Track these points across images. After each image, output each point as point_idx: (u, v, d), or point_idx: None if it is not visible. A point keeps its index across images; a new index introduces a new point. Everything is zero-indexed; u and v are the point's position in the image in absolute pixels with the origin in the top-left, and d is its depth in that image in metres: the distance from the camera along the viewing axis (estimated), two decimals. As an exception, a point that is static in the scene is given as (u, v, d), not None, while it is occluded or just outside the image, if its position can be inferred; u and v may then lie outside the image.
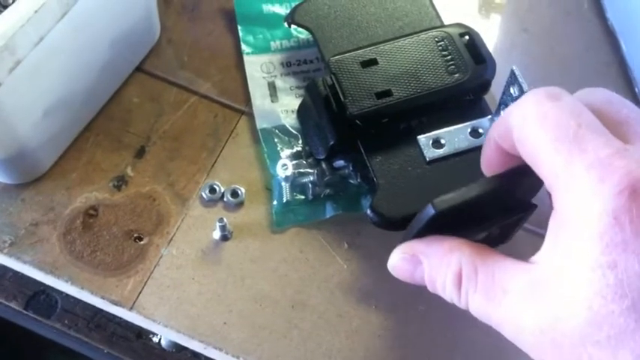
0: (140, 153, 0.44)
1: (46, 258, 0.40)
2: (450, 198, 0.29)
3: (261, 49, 0.48)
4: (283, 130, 0.44)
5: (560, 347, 0.24)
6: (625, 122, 0.26)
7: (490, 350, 0.39)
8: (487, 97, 0.41)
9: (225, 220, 0.40)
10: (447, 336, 0.39)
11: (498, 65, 0.40)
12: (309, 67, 0.47)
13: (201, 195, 0.42)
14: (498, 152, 0.29)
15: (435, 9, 0.45)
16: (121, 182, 0.43)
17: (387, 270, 0.33)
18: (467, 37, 0.41)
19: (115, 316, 0.40)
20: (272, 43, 0.48)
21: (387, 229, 0.37)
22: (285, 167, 0.41)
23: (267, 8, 0.50)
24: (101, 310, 0.40)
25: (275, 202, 0.42)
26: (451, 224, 0.30)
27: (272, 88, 0.46)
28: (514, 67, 0.31)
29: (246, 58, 0.47)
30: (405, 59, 0.40)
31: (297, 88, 0.46)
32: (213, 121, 0.46)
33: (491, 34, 0.52)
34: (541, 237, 0.26)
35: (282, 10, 0.49)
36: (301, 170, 0.42)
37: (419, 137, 0.39)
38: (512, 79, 0.32)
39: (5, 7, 0.36)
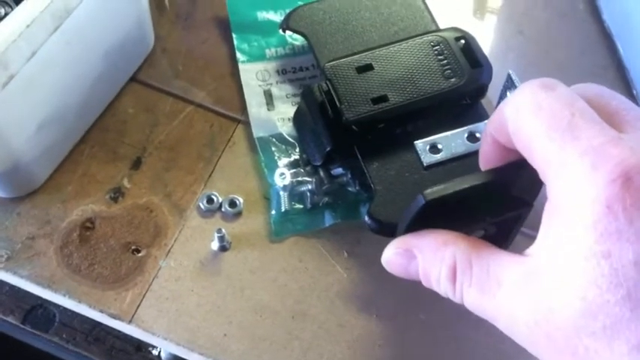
0: (136, 164, 0.44)
1: (44, 272, 0.39)
2: (440, 188, 0.29)
3: (257, 57, 0.48)
4: (280, 138, 0.44)
5: (555, 339, 0.24)
6: (616, 113, 0.25)
7: (492, 359, 0.38)
8: (484, 102, 0.41)
9: (223, 230, 0.40)
10: (448, 344, 0.39)
11: (494, 68, 0.40)
12: (305, 74, 0.47)
13: (199, 205, 0.42)
14: (495, 146, 0.29)
15: (430, 13, 0.45)
16: (117, 194, 0.42)
17: (387, 278, 0.32)
18: (462, 41, 0.41)
19: (113, 330, 0.39)
20: (267, 51, 0.48)
21: (385, 236, 0.37)
22: (283, 176, 0.41)
23: (262, 15, 0.49)
24: (100, 324, 0.40)
25: (273, 212, 0.42)
26: (444, 218, 0.30)
27: (268, 96, 0.46)
28: (510, 72, 0.31)
29: (241, 66, 0.47)
30: (400, 64, 0.40)
31: (294, 95, 0.46)
32: (210, 131, 0.45)
33: (486, 37, 0.52)
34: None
35: (277, 17, 0.49)
36: (299, 179, 0.41)
37: (416, 142, 0.39)
38: (509, 83, 0.32)
39: (-3, 21, 0.35)
